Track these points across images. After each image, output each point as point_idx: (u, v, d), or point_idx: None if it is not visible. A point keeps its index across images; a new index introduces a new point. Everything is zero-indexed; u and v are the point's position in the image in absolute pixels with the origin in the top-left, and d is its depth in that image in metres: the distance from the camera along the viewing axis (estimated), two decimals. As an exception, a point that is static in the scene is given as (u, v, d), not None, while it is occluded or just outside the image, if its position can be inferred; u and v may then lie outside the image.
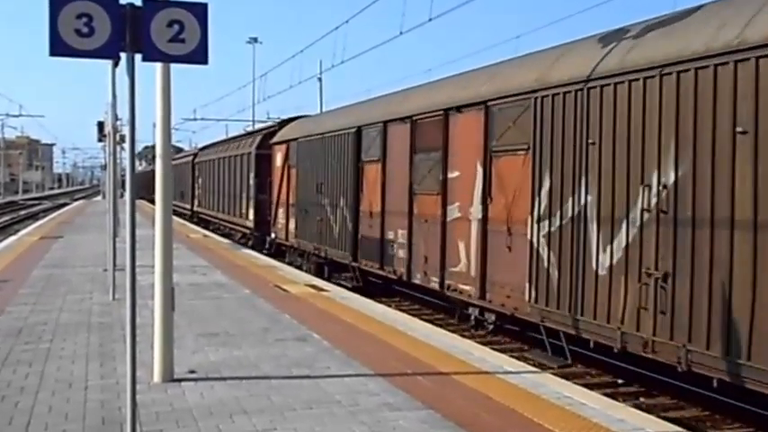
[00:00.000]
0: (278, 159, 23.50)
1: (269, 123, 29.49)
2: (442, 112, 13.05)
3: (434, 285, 13.15)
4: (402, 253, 14.45)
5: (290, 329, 10.23)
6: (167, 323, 7.56)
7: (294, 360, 8.49)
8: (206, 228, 34.80)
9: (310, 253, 19.87)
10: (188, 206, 44.83)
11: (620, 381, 9.96)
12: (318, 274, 18.40)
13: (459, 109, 12.61)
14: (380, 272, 15.57)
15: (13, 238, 27.23)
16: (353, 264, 16.96)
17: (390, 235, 15.07)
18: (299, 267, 19.48)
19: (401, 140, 14.63)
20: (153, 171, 8.46)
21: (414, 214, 14.05)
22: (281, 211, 23.13)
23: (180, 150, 62.56)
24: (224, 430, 6.13)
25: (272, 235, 24.22)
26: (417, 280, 13.92)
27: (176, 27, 5.60)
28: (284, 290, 13.98)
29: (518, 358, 9.91)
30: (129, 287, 5.59)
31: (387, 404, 6.83)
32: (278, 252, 23.56)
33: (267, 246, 24.88)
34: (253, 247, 25.03)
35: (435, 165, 13.22)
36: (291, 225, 21.72)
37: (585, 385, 8.52)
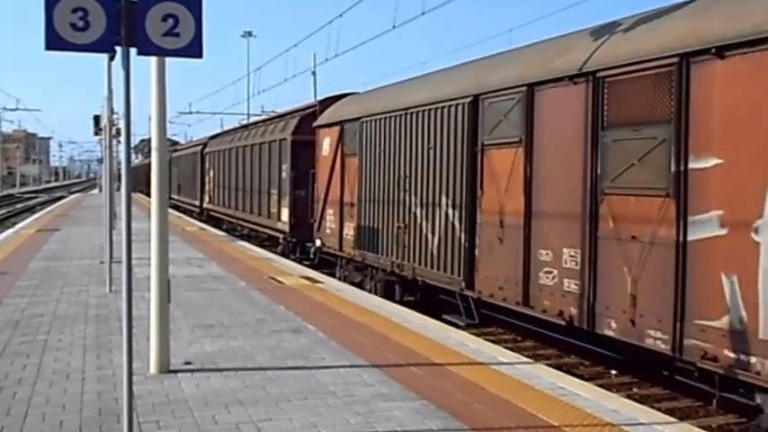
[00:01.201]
0: (325, 146, 17.95)
1: (305, 103, 22.94)
2: (674, 60, 7.93)
3: (659, 346, 8.03)
4: (572, 285, 9.34)
5: (285, 321, 10.30)
6: (163, 315, 7.61)
7: (289, 351, 8.55)
8: (219, 228, 30.56)
9: (378, 268, 14.86)
10: (196, 202, 39.24)
11: (613, 372, 10.04)
12: (388, 295, 14.12)
13: (721, 51, 7.39)
14: (521, 309, 10.37)
15: (10, 230, 27.23)
16: (466, 292, 11.60)
17: (544, 255, 9.89)
18: (359, 285, 15.23)
19: (566, 110, 9.60)
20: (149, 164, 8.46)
21: (601, 225, 8.93)
22: (330, 213, 17.63)
23: (176, 144, 62.32)
24: (220, 421, 6.19)
25: (317, 242, 18.53)
26: (612, 331, 8.70)
27: (171, 21, 5.63)
28: (279, 281, 14.04)
29: (512, 349, 10.00)
30: (125, 279, 5.63)
31: (381, 395, 6.90)
32: (324, 263, 18.69)
33: (312, 255, 19.34)
34: (283, 254, 20.94)
35: (659, 147, 8.13)
36: (349, 231, 16.42)
37: (579, 376, 8.62)
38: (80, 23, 5.36)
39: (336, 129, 17.17)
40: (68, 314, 10.67)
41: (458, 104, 11.94)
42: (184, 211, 41.53)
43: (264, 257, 18.63)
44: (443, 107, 12.33)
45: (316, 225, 18.74)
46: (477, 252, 11.38)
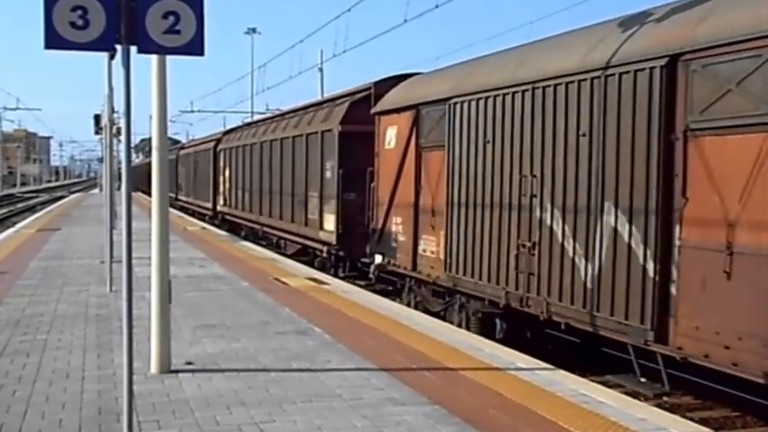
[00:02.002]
0: (389, 137, 14.00)
1: (355, 87, 18.33)
2: None
3: None
4: None
5: (290, 322, 10.15)
6: (164, 315, 7.49)
7: (294, 353, 8.40)
8: (236, 234, 27.28)
9: (475, 297, 11.16)
10: (208, 205, 34.76)
11: (642, 379, 9.16)
12: (487, 332, 10.64)
13: None
14: None
15: (10, 230, 27.17)
16: (655, 347, 7.93)
17: None
18: (438, 315, 11.89)
19: None
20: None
21: None
22: (398, 222, 13.68)
23: (177, 143, 62.09)
24: (221, 422, 6.05)
25: (378, 258, 14.39)
26: None
27: (172, 18, 5.54)
28: (284, 283, 13.90)
29: (532, 356, 9.64)
30: (125, 279, 5.53)
31: (390, 399, 6.73)
32: (384, 281, 15.35)
33: (371, 274, 14.78)
34: (323, 269, 17.56)
35: None
36: (428, 246, 12.49)
37: (604, 384, 8.18)
38: (79, 22, 5.30)
39: (408, 115, 13.14)
40: (69, 314, 10.55)
41: (638, 70, 8.13)
42: (193, 214, 38.70)
43: (268, 258, 18.49)
44: (611, 75, 8.53)
45: (374, 236, 14.59)
46: (673, 288, 7.69)
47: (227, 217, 31.07)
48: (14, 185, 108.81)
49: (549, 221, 9.43)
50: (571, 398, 6.84)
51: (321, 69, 45.08)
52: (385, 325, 10.10)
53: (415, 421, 6.14)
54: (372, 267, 14.62)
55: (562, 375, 7.74)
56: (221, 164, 32.13)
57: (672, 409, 7.99)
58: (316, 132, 19.06)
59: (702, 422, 7.08)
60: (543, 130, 9.57)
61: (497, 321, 10.78)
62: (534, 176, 9.68)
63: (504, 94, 10.41)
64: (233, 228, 29.50)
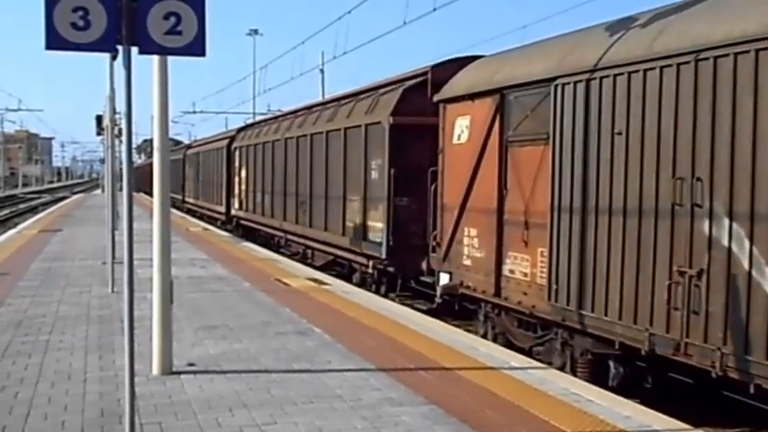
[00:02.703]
0: (460, 130, 11.34)
1: (406, 72, 15.36)
2: None
3: None
4: None
5: (290, 323, 10.18)
6: (166, 316, 7.52)
7: (295, 354, 8.43)
8: (252, 241, 24.31)
9: (580, 332, 8.75)
10: (220, 208, 31.43)
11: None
12: (597, 378, 8.42)
13: None
14: None
15: (12, 231, 27.19)
16: None
17: None
18: (527, 353, 9.59)
19: None
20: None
21: None
22: (472, 233, 10.92)
23: (179, 143, 62.02)
24: (223, 423, 6.08)
25: (444, 277, 11.58)
26: None
27: (173, 19, 5.57)
28: (285, 283, 13.93)
29: (524, 355, 9.74)
30: (127, 280, 5.55)
31: (389, 399, 6.77)
32: (446, 305, 12.14)
33: (438, 297, 11.89)
34: (362, 284, 15.21)
35: None
36: (518, 265, 9.87)
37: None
38: (81, 23, 5.32)
39: (487, 102, 10.54)
40: (70, 315, 10.58)
41: None
42: (201, 217, 35.86)
43: (270, 258, 18.51)
44: None
45: (438, 250, 11.92)
46: None
47: (243, 222, 27.93)
48: (16, 186, 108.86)
49: (725, 241, 6.88)
50: (562, 396, 6.96)
51: (322, 71, 45.12)
52: (384, 325, 10.13)
53: (412, 421, 6.19)
54: (438, 290, 11.68)
55: (553, 374, 7.90)
56: (236, 163, 29.09)
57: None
58: (357, 126, 15.91)
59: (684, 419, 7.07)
60: (714, 115, 6.99)
61: (611, 365, 8.54)
62: (699, 180, 7.13)
63: (647, 70, 7.76)
64: (248, 234, 26.49)
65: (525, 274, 9.68)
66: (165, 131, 7.68)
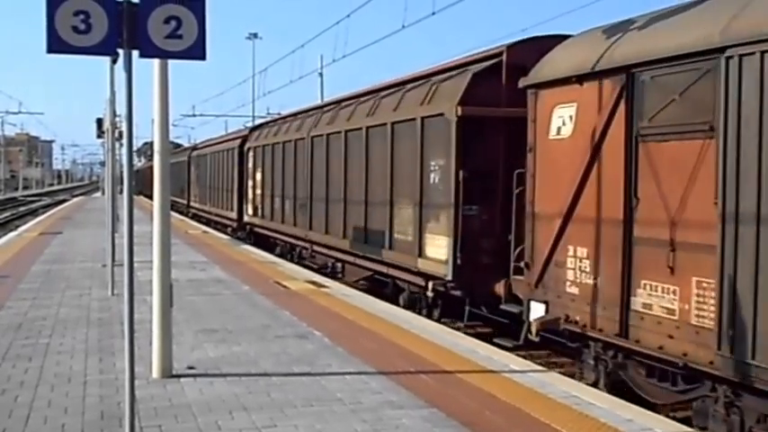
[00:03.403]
0: (559, 122, 9.17)
1: (474, 53, 12.91)
2: None
3: None
4: None
5: (290, 326, 10.17)
6: (166, 319, 7.51)
7: (294, 357, 8.43)
8: (268, 250, 22.15)
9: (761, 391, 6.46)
10: (231, 215, 28.78)
11: None
12: None
13: None
14: None
15: (12, 233, 27.18)
16: None
17: None
18: (667, 411, 8.00)
19: None
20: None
21: None
22: (581, 254, 8.68)
23: (179, 146, 61.99)
24: (223, 426, 6.08)
25: (539, 308, 9.32)
26: None
27: (174, 23, 5.59)
28: (284, 286, 13.92)
29: (525, 357, 9.71)
30: (127, 283, 5.55)
31: (389, 402, 6.77)
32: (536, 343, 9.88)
33: (528, 332, 9.52)
34: (419, 311, 12.83)
35: None
36: (667, 301, 7.38)
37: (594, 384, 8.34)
38: (82, 26, 5.34)
39: (604, 85, 8.32)
40: (70, 317, 10.58)
41: None
42: (208, 223, 33.74)
43: (269, 261, 18.50)
44: None
45: (529, 272, 9.55)
46: None
47: (258, 230, 25.18)
48: (17, 189, 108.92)
49: None
50: (563, 399, 6.94)
51: (321, 74, 45.14)
52: (384, 328, 10.13)
53: (413, 425, 6.18)
54: (533, 325, 9.19)
55: (553, 377, 7.87)
56: (250, 165, 26.27)
57: (657, 409, 7.82)
58: (411, 120, 13.21)
59: (684, 421, 7.19)
60: None
61: None
62: None
63: None
64: (263, 243, 23.91)
65: (670, 311, 7.32)
66: (165, 134, 7.68)
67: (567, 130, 9.07)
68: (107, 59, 12.17)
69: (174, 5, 5.58)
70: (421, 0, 17.41)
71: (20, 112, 78.25)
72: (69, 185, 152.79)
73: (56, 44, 5.33)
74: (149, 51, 5.62)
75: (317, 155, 18.72)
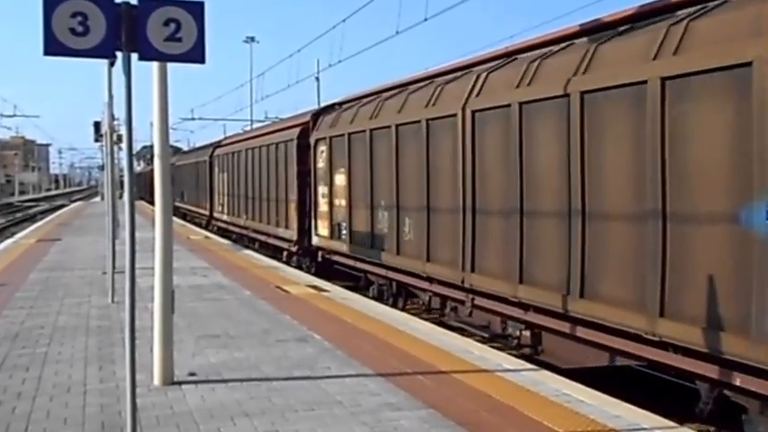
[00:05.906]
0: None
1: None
2: None
3: None
4: None
5: (290, 330, 10.16)
6: (167, 326, 7.48)
7: (295, 361, 8.41)
8: (357, 291, 15.12)
9: None
10: (289, 235, 20.67)
11: None
12: None
13: None
14: None
15: (9, 240, 27.09)
16: None
17: None
18: None
19: None
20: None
21: None
22: None
23: (178, 150, 61.82)
24: (225, 434, 6.06)
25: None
26: None
27: (173, 26, 5.57)
28: (285, 291, 13.90)
29: (516, 356, 9.83)
30: (128, 290, 5.52)
31: (388, 404, 6.78)
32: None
33: None
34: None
35: None
36: None
37: (584, 382, 8.44)
38: (79, 28, 5.30)
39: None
40: (69, 326, 10.52)
41: None
42: (237, 240, 27.77)
43: (270, 266, 18.47)
44: None
45: None
46: None
47: (339, 258, 17.12)
48: (13, 194, 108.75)
49: None
50: (554, 397, 7.05)
51: (318, 78, 45.10)
52: (381, 330, 10.14)
53: (411, 426, 6.21)
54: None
55: (545, 375, 7.99)
56: (321, 164, 18.08)
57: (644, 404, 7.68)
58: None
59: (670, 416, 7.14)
60: None
61: None
62: None
63: None
64: (347, 277, 17.10)
65: None
66: (165, 138, 7.65)
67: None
68: (104, 62, 12.15)
69: (173, 8, 5.57)
70: (414, 6, 17.44)
71: (15, 115, 77.74)
72: (67, 190, 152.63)
73: (53, 46, 5.30)
74: (148, 54, 5.60)
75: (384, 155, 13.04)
